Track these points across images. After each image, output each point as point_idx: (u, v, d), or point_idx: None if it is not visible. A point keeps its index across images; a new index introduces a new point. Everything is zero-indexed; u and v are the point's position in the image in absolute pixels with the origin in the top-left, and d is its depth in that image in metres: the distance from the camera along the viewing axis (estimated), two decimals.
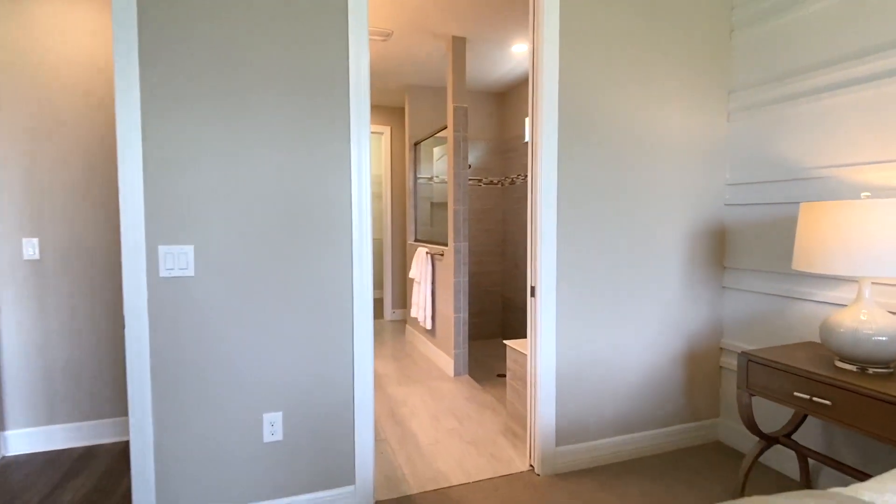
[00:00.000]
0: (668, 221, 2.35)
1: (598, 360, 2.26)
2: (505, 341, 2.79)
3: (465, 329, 3.52)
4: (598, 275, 2.23)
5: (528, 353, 2.22)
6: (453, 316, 3.48)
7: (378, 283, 7.08)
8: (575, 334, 2.20)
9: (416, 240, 4.62)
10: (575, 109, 2.15)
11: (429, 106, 4.68)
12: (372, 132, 5.43)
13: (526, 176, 4.30)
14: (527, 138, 4.08)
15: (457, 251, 3.43)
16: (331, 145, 1.83)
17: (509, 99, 4.66)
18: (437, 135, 4.69)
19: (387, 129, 5.47)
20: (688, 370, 2.44)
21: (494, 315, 4.85)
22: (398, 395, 3.19)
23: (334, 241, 1.85)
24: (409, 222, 4.66)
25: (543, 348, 2.12)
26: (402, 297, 5.63)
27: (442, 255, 3.65)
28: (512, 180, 4.56)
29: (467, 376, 3.55)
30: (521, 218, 4.41)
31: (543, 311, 2.10)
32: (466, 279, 3.47)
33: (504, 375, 3.78)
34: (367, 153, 1.85)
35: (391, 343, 4.55)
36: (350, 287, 1.86)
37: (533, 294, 2.15)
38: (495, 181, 4.77)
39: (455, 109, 3.40)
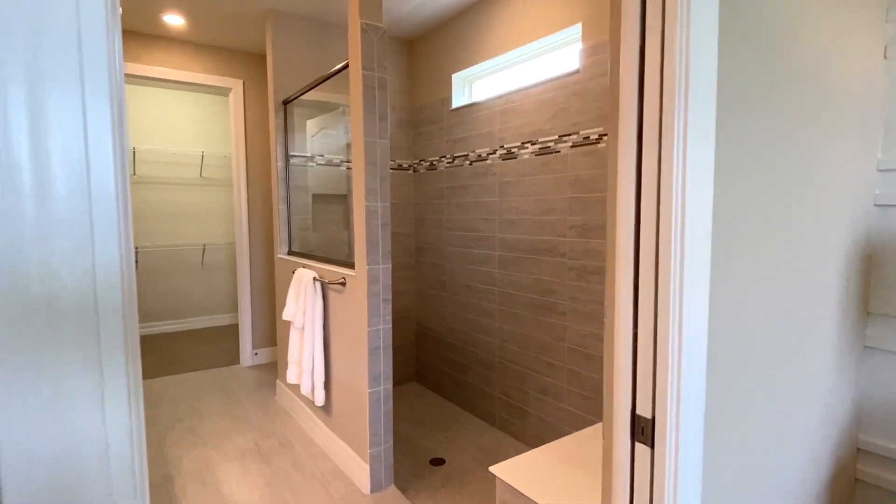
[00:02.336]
0: (827, 235, 1.22)
1: None
2: (493, 469, 1.44)
3: (388, 410, 2.09)
4: (765, 367, 1.01)
5: None
6: (368, 391, 2.02)
7: (231, 305, 5.20)
8: None
9: (290, 252, 3.01)
10: (748, 14, 0.86)
11: (306, 45, 3.08)
12: (211, 86, 3.60)
13: (455, 158, 2.98)
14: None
15: (373, 279, 1.97)
16: None
17: (424, 48, 3.27)
18: (322, 92, 3.11)
19: (237, 84, 3.68)
20: (830, 497, 1.36)
21: (407, 350, 3.47)
22: None
23: None
24: (278, 225, 3.02)
25: None
26: (270, 331, 3.93)
27: (343, 283, 2.16)
28: (431, 164, 3.20)
29: (394, 489, 2.13)
30: (445, 217, 3.08)
31: (682, 487, 0.80)
32: (390, 326, 2.04)
33: (441, 461, 2.44)
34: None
35: (254, 415, 2.89)
36: None
37: (648, 440, 0.84)
38: (405, 165, 3.37)
39: (364, 31, 1.91)
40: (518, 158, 2.51)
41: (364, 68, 1.91)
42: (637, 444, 0.86)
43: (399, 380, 3.46)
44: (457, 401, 3.11)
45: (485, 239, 2.77)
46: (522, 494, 1.33)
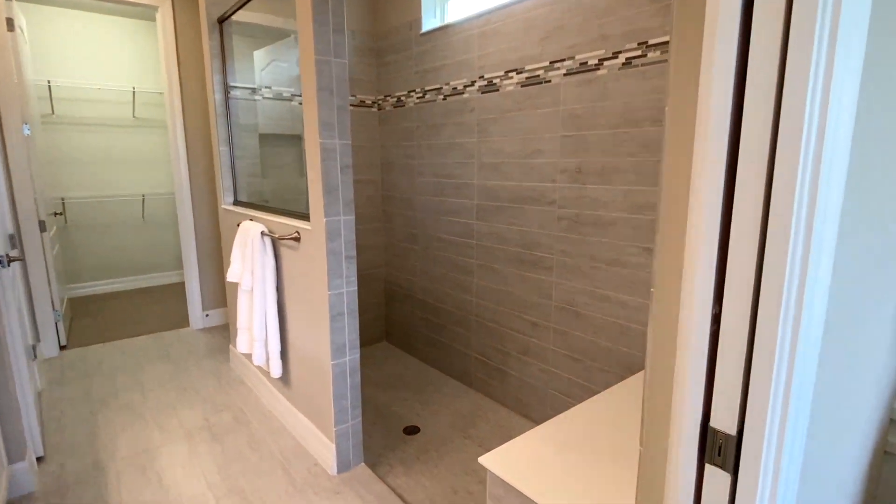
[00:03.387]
0: None
1: None
2: (483, 461, 1.20)
3: (356, 384, 1.82)
4: (855, 342, 0.77)
5: None
6: (332, 363, 1.74)
7: (175, 262, 4.75)
8: None
9: (237, 202, 2.61)
10: None
11: None
12: (133, 3, 3.01)
13: (426, 92, 2.59)
14: None
15: (332, 234, 1.64)
16: None
17: None
18: (270, 15, 2.62)
19: (164, 3, 3.10)
20: (868, 475, 1.20)
21: (376, 309, 3.20)
22: None
23: None
24: (220, 171, 2.60)
25: None
26: (221, 290, 3.56)
27: (297, 238, 1.82)
28: (399, 100, 2.80)
29: (363, 467, 1.90)
30: (416, 162, 2.73)
31: None
32: (355, 288, 1.73)
33: (416, 430, 2.23)
34: None
35: (204, 386, 2.58)
36: None
37: (728, 464, 0.59)
38: (368, 102, 2.95)
39: None
40: (501, 91, 2.16)
41: None
42: (708, 467, 0.61)
43: (368, 340, 3.20)
44: (430, 362, 2.89)
45: (461, 186, 2.46)
46: (519, 492, 1.10)
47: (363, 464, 1.91)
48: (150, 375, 2.70)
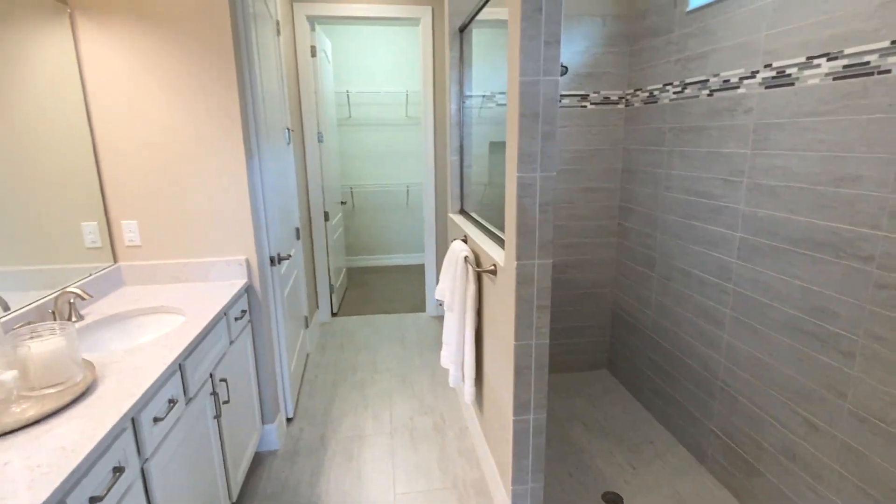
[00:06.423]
0: None
1: None
2: None
3: (539, 445, 1.59)
4: None
5: None
6: (513, 419, 1.56)
7: (417, 245, 5.28)
8: None
9: (462, 210, 2.63)
10: None
11: None
12: (400, 18, 3.29)
13: (686, 86, 2.03)
14: None
15: (523, 279, 1.42)
16: None
17: None
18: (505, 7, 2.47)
19: (426, 12, 3.29)
20: None
21: (599, 332, 2.83)
22: None
23: None
24: (450, 179, 2.64)
25: None
26: None
27: (494, 272, 1.66)
28: (651, 95, 2.30)
29: None
30: (663, 172, 2.20)
31: None
32: (546, 342, 1.48)
33: (618, 500, 1.87)
34: None
35: (420, 380, 2.75)
36: None
37: None
38: (614, 98, 2.52)
39: None
40: (797, 84, 1.50)
41: None
42: None
43: (585, 365, 2.89)
44: (655, 413, 2.40)
45: (720, 210, 1.86)
46: None
47: None
48: (384, 357, 3.04)
